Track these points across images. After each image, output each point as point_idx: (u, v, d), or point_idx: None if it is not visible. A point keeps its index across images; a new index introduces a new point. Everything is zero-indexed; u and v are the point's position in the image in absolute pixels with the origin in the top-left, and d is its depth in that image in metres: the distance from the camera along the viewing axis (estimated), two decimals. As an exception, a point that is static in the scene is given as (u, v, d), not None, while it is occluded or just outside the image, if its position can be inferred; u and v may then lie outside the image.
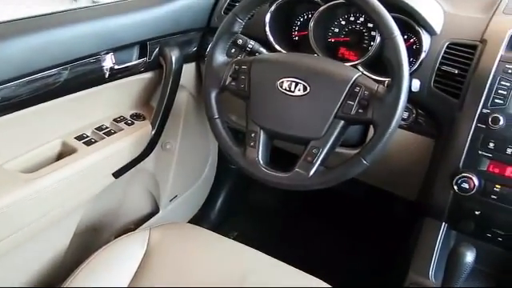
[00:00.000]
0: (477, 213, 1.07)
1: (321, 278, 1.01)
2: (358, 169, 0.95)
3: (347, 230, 1.81)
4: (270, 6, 1.24)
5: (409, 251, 1.21)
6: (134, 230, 1.48)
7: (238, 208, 1.92)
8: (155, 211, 1.55)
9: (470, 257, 0.97)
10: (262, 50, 1.18)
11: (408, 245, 1.25)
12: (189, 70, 1.39)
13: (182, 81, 1.33)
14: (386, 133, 0.91)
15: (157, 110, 1.29)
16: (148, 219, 1.52)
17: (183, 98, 1.42)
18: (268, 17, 1.24)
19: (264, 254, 1.06)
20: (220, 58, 1.06)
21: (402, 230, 1.39)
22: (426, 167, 1.16)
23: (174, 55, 1.27)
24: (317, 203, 1.78)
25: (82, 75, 1.09)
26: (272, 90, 1.00)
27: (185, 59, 1.33)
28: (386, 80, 1.05)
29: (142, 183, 1.50)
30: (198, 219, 1.77)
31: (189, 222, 1.73)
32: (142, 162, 1.31)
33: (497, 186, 1.02)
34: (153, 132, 1.28)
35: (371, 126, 0.96)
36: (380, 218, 1.79)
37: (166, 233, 1.11)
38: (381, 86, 0.95)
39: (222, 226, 1.84)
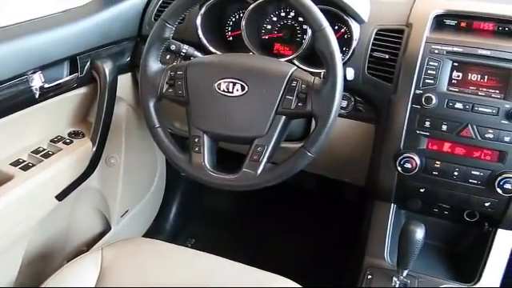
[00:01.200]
0: (422, 190, 1.11)
1: (284, 275, 1.01)
2: (304, 161, 0.96)
3: (304, 223, 1.83)
4: (200, 9, 1.23)
5: (363, 235, 1.24)
6: (86, 251, 1.43)
7: (194, 214, 1.90)
8: (107, 229, 1.50)
9: (419, 234, 1.00)
10: (197, 53, 1.17)
11: (362, 229, 1.28)
12: (125, 81, 1.36)
13: (119, 93, 1.30)
14: (326, 123, 0.93)
15: (95, 125, 1.24)
16: (100, 238, 1.47)
17: (122, 110, 1.39)
18: (199, 20, 1.23)
19: (224, 259, 1.05)
20: (154, 65, 1.04)
21: (355, 216, 1.42)
22: (370, 152, 1.19)
23: (107, 67, 1.23)
24: (272, 200, 1.78)
25: (9, 98, 1.03)
26: (210, 92, 0.99)
27: (119, 70, 1.29)
28: (322, 71, 1.07)
29: (90, 202, 1.45)
30: (153, 232, 1.73)
31: (143, 235, 1.69)
32: (86, 181, 1.27)
33: (437, 162, 1.06)
34: (94, 149, 1.24)
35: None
36: (334, 206, 1.83)
37: (120, 250, 1.07)
38: (317, 77, 0.97)
39: (178, 235, 1.81)
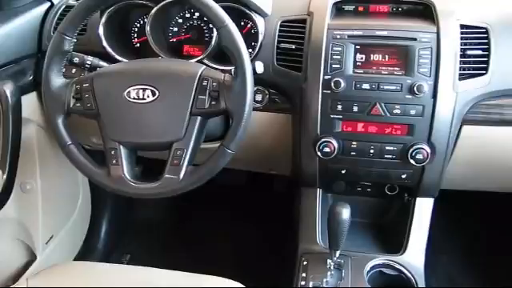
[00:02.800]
0: (343, 172, 1.15)
1: (224, 275, 1.01)
2: (225, 159, 0.96)
3: (238, 220, 1.83)
4: (101, 18, 1.18)
5: (295, 223, 1.26)
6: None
7: (126, 229, 1.84)
8: (32, 259, 1.42)
9: (345, 214, 1.03)
10: (103, 63, 1.13)
11: (293, 218, 1.30)
12: (30, 101, 1.28)
13: (26, 114, 1.22)
14: (242, 119, 0.93)
15: (2, 151, 1.16)
16: (26, 270, 1.39)
17: (31, 131, 1.31)
18: (101, 29, 1.18)
19: (161, 269, 1.03)
20: (57, 80, 0.99)
21: (286, 206, 1.45)
22: (291, 142, 1.22)
23: (7, 89, 1.15)
24: (204, 202, 1.77)
25: None
26: (121, 101, 0.97)
27: (22, 90, 1.22)
28: (232, 68, 1.08)
29: (9, 233, 1.36)
30: (85, 254, 1.66)
31: (74, 259, 1.62)
32: (1, 211, 1.19)
33: (353, 142, 1.10)
34: (4, 176, 1.16)
35: None
36: (266, 199, 1.85)
37: (47, 278, 1.01)
38: (227, 74, 0.97)
39: (112, 253, 1.75)
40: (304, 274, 1.09)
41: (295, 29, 1.13)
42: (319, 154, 1.10)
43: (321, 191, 1.23)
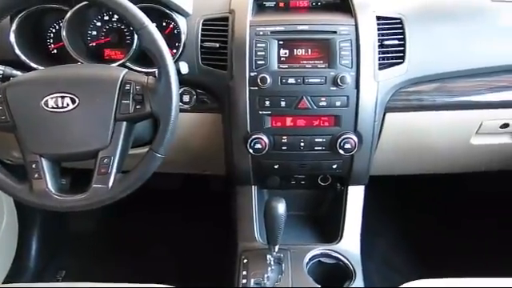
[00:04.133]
0: (276, 167, 1.16)
1: (166, 283, 0.99)
2: (155, 163, 0.93)
3: (178, 225, 1.80)
4: (12, 25, 1.11)
5: (234, 222, 1.26)
6: None
7: (59, 244, 1.75)
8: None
9: (281, 208, 1.04)
10: (17, 72, 1.06)
11: (232, 217, 1.29)
12: None
13: None
14: (169, 121, 0.91)
15: None
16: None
17: None
18: (13, 36, 1.11)
19: (98, 284, 0.99)
20: None
21: (224, 206, 1.44)
22: (222, 141, 1.21)
23: None
24: (139, 209, 1.72)
25: None
26: (38, 111, 0.91)
27: None
28: (156, 70, 1.05)
29: None
30: (15, 275, 1.56)
31: (3, 282, 1.52)
32: None
33: (283, 137, 1.11)
34: None
35: None
36: (204, 201, 1.83)
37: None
38: (150, 77, 0.95)
39: (45, 271, 1.66)
40: (245, 272, 1.09)
41: (218, 27, 1.12)
42: (251, 151, 1.10)
43: (256, 188, 1.23)
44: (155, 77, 0.95)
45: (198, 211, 1.83)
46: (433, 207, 1.82)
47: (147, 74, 0.98)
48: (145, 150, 1.10)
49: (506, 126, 1.20)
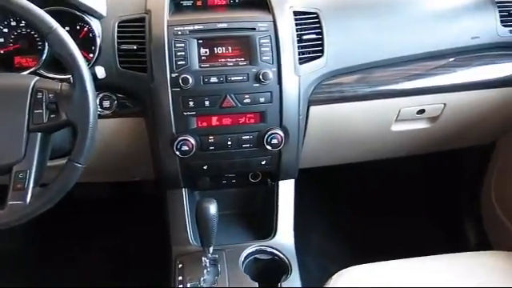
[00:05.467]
0: (205, 167, 1.14)
1: None
2: (76, 174, 0.89)
3: (110, 235, 1.74)
4: None
5: (166, 227, 1.23)
6: None
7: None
8: None
9: (212, 209, 1.03)
10: None
11: (164, 222, 1.26)
12: None
13: None
14: (87, 129, 0.87)
15: None
16: None
17: None
18: None
19: None
20: None
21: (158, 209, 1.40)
22: (148, 145, 1.18)
23: None
24: (70, 221, 1.65)
25: None
26: None
27: None
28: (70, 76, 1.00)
29: None
30: None
31: None
32: None
33: (210, 137, 1.10)
34: None
35: None
36: (134, 208, 1.78)
37: None
38: (64, 83, 0.90)
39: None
40: (180, 277, 1.07)
41: (134, 28, 1.09)
42: (178, 153, 1.08)
43: (186, 190, 1.21)
44: (70, 83, 0.90)
45: (131, 217, 1.77)
46: (360, 195, 1.88)
47: (61, 80, 0.93)
48: (64, 160, 1.06)
49: (422, 111, 1.26)
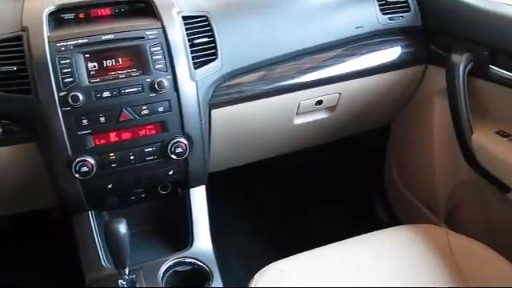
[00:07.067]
0: (109, 186, 1.09)
1: None
2: None
3: (19, 269, 1.61)
4: None
5: (77, 253, 1.16)
6: None
7: None
8: None
9: (122, 228, 0.98)
10: None
11: (76, 249, 1.19)
12: None
13: None
14: None
15: None
16: None
17: None
18: None
19: None
20: None
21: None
22: (44, 171, 1.10)
23: None
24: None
25: None
26: None
27: None
28: None
29: None
30: None
31: None
32: None
33: (111, 154, 1.05)
34: None
35: None
36: (45, 234, 1.66)
37: None
38: None
39: None
40: (98, 306, 1.02)
41: (11, 48, 1.00)
42: (78, 175, 1.02)
43: (93, 213, 1.15)
44: None
45: (39, 247, 1.65)
46: (275, 191, 1.92)
47: None
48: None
49: (320, 102, 1.31)
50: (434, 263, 1.04)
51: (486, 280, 1.00)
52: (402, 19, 1.32)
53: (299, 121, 1.33)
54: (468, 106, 1.23)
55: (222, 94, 1.17)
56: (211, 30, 1.12)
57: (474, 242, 1.09)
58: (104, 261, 1.12)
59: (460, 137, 1.26)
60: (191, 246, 1.16)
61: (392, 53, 1.33)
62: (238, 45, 1.16)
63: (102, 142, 1.04)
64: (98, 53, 1.02)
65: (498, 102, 1.23)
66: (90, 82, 1.01)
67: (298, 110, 1.30)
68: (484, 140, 1.21)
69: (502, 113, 1.23)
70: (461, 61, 1.21)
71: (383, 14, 1.30)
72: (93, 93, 1.01)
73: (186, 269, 1.13)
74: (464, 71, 1.21)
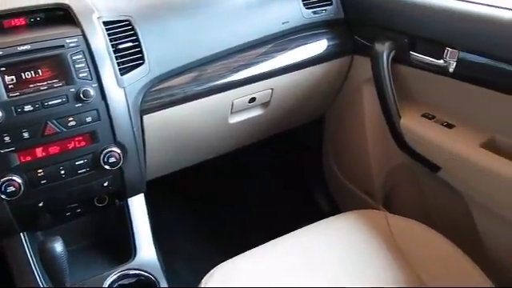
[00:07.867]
0: (41, 205, 1.03)
1: None
2: None
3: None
4: None
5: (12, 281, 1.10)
6: None
7: None
8: None
9: (58, 247, 0.93)
10: None
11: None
12: None
13: None
14: None
15: None
16: None
17: None
18: None
19: None
20: None
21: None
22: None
23: None
24: None
25: None
26: None
27: None
28: None
29: None
30: None
31: None
32: None
33: (39, 171, 1.00)
34: None
35: None
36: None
37: None
38: None
39: None
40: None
41: None
42: (4, 196, 0.96)
43: (26, 234, 1.09)
44: None
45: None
46: (218, 192, 1.91)
47: None
48: None
49: (253, 99, 1.31)
50: (377, 246, 1.07)
51: (427, 258, 1.04)
52: (326, 12, 1.35)
53: (234, 120, 1.33)
54: (394, 92, 1.27)
55: (153, 99, 1.14)
56: (135, 34, 1.09)
57: (413, 221, 1.13)
58: (42, 283, 1.06)
59: (389, 122, 1.30)
60: (135, 256, 1.13)
61: (319, 46, 1.36)
62: (165, 47, 1.14)
63: (28, 158, 0.98)
64: (15, 65, 0.96)
65: (421, 86, 1.29)
66: (8, 96, 0.95)
67: (232, 109, 1.29)
68: (411, 123, 1.27)
69: (426, 96, 1.29)
70: (384, 49, 1.26)
71: (307, 8, 1.32)
72: (13, 108, 0.95)
73: (131, 281, 1.10)
74: (388, 59, 1.26)
